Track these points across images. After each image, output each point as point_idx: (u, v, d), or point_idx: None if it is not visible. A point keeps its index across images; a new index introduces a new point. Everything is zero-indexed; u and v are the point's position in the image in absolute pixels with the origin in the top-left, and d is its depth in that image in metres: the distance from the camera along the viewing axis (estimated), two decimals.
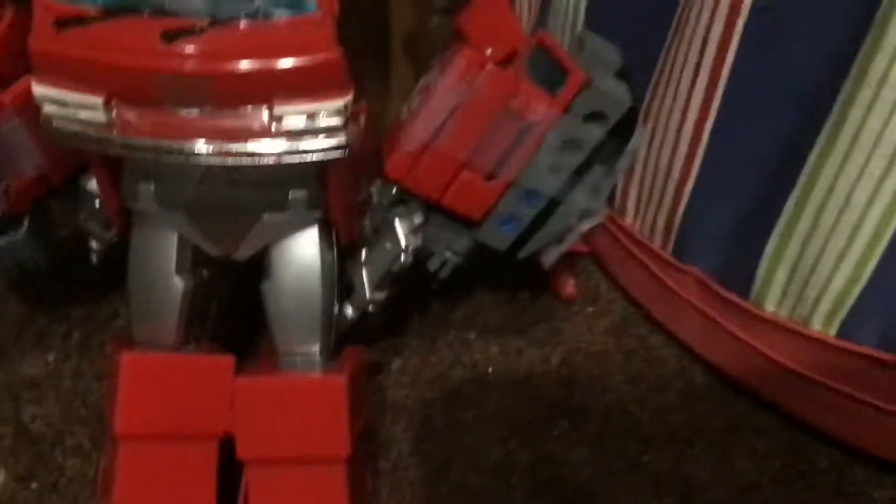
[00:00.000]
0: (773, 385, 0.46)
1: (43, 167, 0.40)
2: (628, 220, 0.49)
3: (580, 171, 0.39)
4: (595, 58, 0.39)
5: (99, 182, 0.36)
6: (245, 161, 0.32)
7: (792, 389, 0.45)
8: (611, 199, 0.49)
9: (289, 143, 0.32)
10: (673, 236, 0.47)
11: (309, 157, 0.32)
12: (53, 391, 0.47)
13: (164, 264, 0.38)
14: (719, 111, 0.42)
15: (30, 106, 0.37)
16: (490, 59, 0.37)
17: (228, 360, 0.38)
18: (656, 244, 0.48)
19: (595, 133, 0.38)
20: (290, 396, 0.37)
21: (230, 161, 0.32)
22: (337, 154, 0.32)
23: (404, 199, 0.40)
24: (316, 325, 0.38)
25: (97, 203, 0.41)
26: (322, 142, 0.32)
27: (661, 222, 0.48)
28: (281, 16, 0.30)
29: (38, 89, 0.31)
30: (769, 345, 0.45)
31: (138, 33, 0.30)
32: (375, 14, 0.46)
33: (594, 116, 0.38)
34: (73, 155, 0.40)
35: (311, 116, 0.31)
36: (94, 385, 0.47)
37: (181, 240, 0.38)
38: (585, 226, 0.41)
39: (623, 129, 0.38)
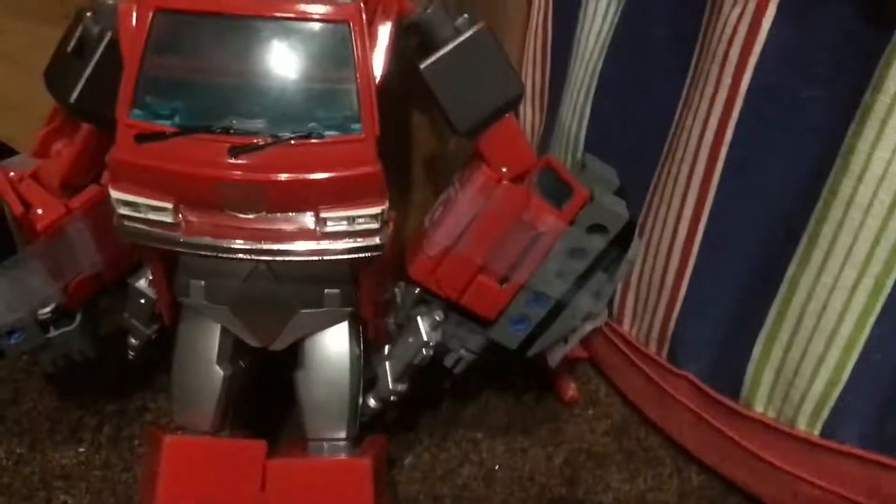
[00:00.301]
0: (764, 483, 0.49)
1: (99, 267, 0.44)
2: (625, 327, 0.53)
3: (584, 277, 0.43)
4: (596, 177, 0.44)
5: (154, 279, 0.41)
6: (293, 259, 0.36)
7: (781, 487, 0.48)
8: (609, 308, 0.53)
9: (332, 243, 0.36)
10: (667, 342, 0.51)
11: (349, 256, 0.36)
12: (84, 482, 0.49)
13: (207, 354, 0.42)
14: (707, 228, 0.46)
15: (94, 211, 0.42)
16: (505, 176, 0.42)
17: (261, 445, 0.42)
18: (652, 350, 0.52)
19: (597, 243, 0.43)
20: (319, 478, 0.40)
21: (280, 259, 0.36)
22: (373, 253, 0.37)
23: (425, 299, 0.44)
24: (343, 413, 0.42)
25: (143, 301, 0.45)
26: (361, 243, 0.36)
27: (655, 329, 0.51)
28: (331, 135, 0.35)
29: (116, 194, 0.35)
30: (759, 444, 0.48)
31: (207, 148, 0.35)
32: (400, 136, 0.51)
33: (596, 228, 0.42)
34: (125, 257, 0.45)
35: (352, 221, 0.36)
36: (123, 476, 0.49)
37: (224, 332, 0.42)
38: (588, 327, 0.45)
39: (622, 240, 0.43)
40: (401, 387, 0.45)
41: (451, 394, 0.55)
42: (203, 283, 0.40)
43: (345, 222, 0.36)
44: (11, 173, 0.41)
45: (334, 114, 0.35)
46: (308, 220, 0.36)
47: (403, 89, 0.39)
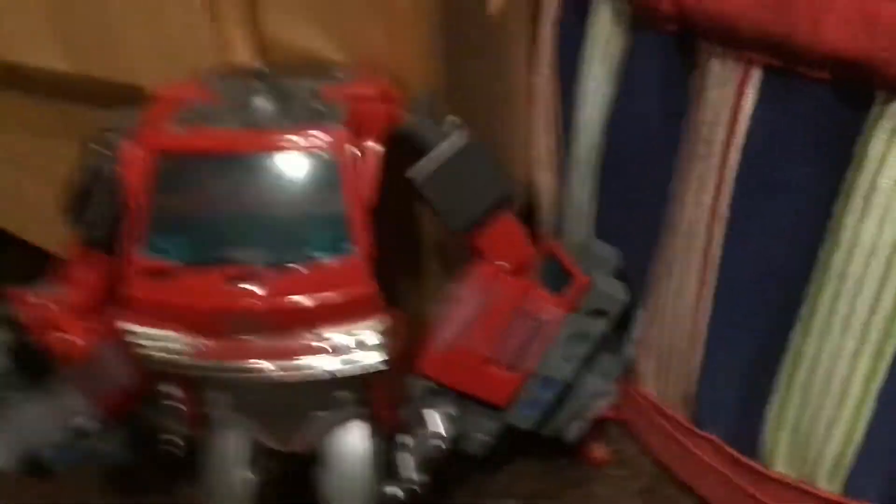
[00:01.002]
0: None
1: (133, 380, 0.47)
2: (649, 389, 0.54)
3: (591, 359, 0.45)
4: (597, 261, 0.45)
5: (183, 394, 0.43)
6: (301, 376, 0.38)
7: None
8: (632, 371, 0.53)
9: (336, 358, 0.38)
10: (690, 405, 0.52)
11: (355, 371, 0.38)
12: None
13: (236, 460, 0.44)
14: (713, 297, 0.47)
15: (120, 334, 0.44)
16: (504, 270, 0.44)
17: None
18: (676, 412, 0.53)
19: (599, 326, 0.44)
20: None
21: (288, 376, 0.38)
22: (378, 367, 0.38)
23: (437, 391, 0.46)
24: None
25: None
26: (365, 356, 0.38)
27: (678, 392, 0.52)
28: (325, 259, 0.37)
29: (128, 326, 0.38)
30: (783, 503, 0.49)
31: (209, 280, 0.37)
32: (410, 227, 0.53)
33: (597, 313, 0.44)
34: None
35: (353, 337, 0.38)
36: None
37: (252, 438, 0.44)
38: (600, 404, 0.46)
39: (625, 321, 0.44)
40: (424, 477, 0.46)
41: (477, 464, 0.56)
42: (230, 394, 0.42)
43: (347, 338, 0.38)
44: (38, 300, 0.44)
45: (327, 238, 0.37)
46: (311, 337, 0.38)
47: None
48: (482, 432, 0.47)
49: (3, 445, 0.44)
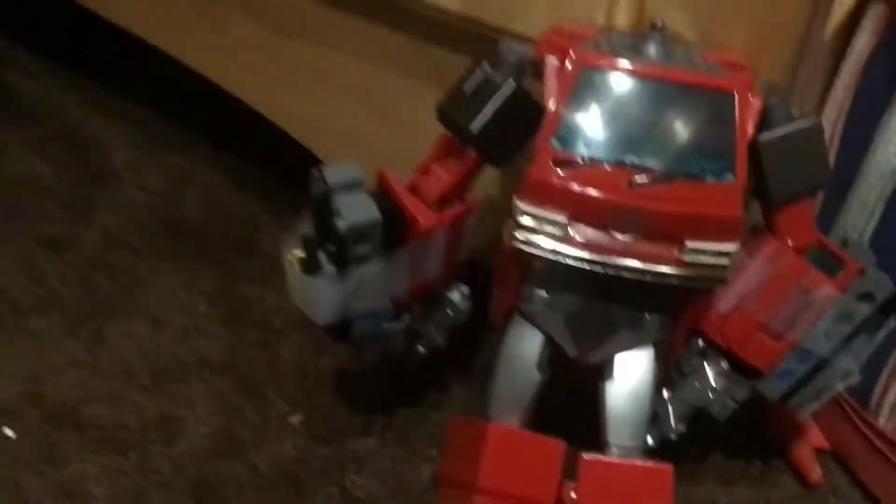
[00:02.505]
0: None
1: (437, 275, 0.52)
2: (882, 419, 0.57)
3: (848, 339, 0.51)
4: (858, 254, 0.52)
5: (508, 283, 0.49)
6: (654, 279, 0.44)
7: None
8: (867, 400, 0.58)
9: (688, 271, 0.44)
10: None
11: (700, 283, 0.44)
12: (372, 468, 0.57)
13: (529, 358, 0.49)
14: None
15: (454, 226, 0.50)
16: (791, 248, 0.50)
17: (563, 444, 0.49)
18: None
19: (864, 309, 0.50)
20: (627, 476, 0.47)
21: (646, 277, 0.44)
22: (718, 285, 0.45)
23: (706, 351, 0.52)
24: (643, 424, 0.49)
25: (450, 312, 0.53)
26: (710, 272, 0.44)
27: None
28: (710, 179, 0.43)
29: (524, 206, 0.44)
30: None
31: (610, 178, 0.43)
32: None
33: (864, 297, 0.50)
34: (454, 270, 0.53)
35: (709, 254, 0.44)
36: (406, 469, 0.56)
37: (547, 340, 0.49)
38: (840, 386, 0.52)
39: (886, 309, 0.51)
40: (682, 427, 0.51)
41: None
42: (546, 294, 0.48)
43: (702, 255, 0.44)
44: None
45: (715, 163, 0.44)
46: (672, 247, 0.44)
47: None
48: (733, 398, 0.52)
49: (332, 306, 0.49)
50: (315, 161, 0.64)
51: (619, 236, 0.44)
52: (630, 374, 0.49)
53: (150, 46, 0.73)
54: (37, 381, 0.60)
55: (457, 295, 0.53)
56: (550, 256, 0.45)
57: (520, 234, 0.45)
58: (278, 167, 0.78)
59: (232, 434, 0.59)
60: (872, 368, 0.56)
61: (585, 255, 0.44)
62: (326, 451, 0.57)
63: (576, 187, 0.43)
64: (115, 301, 0.66)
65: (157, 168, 0.78)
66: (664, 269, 0.44)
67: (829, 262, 0.51)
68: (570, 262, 0.44)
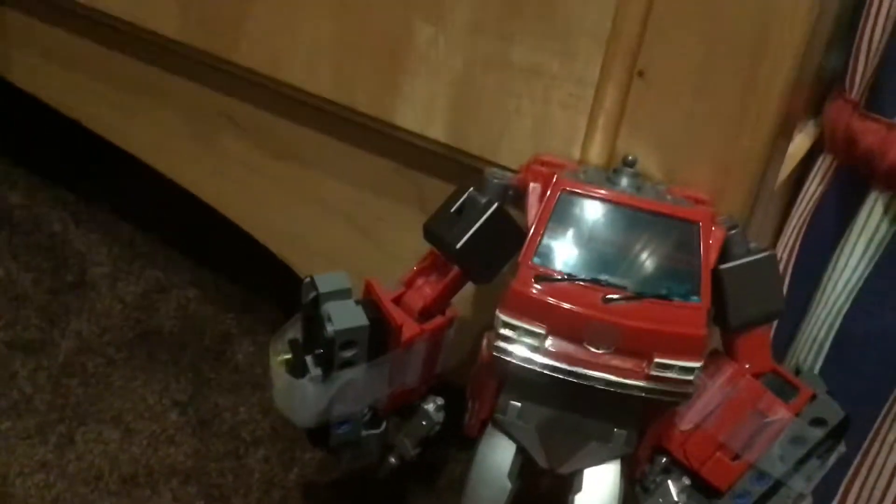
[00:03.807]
0: None
1: (415, 384, 0.54)
2: None
3: (801, 461, 0.54)
4: (809, 382, 0.55)
5: (483, 394, 0.51)
6: (624, 391, 0.47)
7: None
8: None
9: (655, 384, 0.47)
10: None
11: (666, 398, 0.47)
12: None
13: (501, 467, 0.51)
14: None
15: (434, 337, 0.53)
16: (748, 372, 0.54)
17: None
18: None
19: (816, 433, 0.53)
20: None
21: (612, 389, 0.47)
22: (681, 399, 0.48)
23: (669, 469, 0.54)
24: None
25: (424, 423, 0.55)
26: (676, 387, 0.47)
27: None
28: (677, 300, 0.47)
29: (505, 317, 0.47)
30: None
31: (585, 294, 0.47)
32: None
33: (816, 421, 0.53)
34: (430, 381, 0.55)
35: (675, 370, 0.47)
36: None
37: (519, 450, 0.51)
38: None
39: (836, 433, 0.54)
40: None
41: None
42: (520, 404, 0.50)
43: (669, 370, 0.47)
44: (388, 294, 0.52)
45: (681, 286, 0.47)
46: (641, 362, 0.47)
47: None
48: None
49: (314, 409, 0.51)
50: (291, 277, 0.67)
51: (592, 349, 0.47)
52: (598, 486, 0.51)
53: (137, 161, 0.76)
54: (5, 481, 0.60)
55: (432, 406, 0.55)
56: (526, 365, 0.47)
57: (499, 344, 0.47)
58: (255, 283, 0.80)
59: None
60: (824, 495, 0.59)
61: (560, 364, 0.47)
62: None
63: (553, 301, 0.47)
64: (86, 407, 0.67)
65: (134, 280, 0.80)
66: (633, 381, 0.47)
67: (783, 388, 0.54)
68: (546, 371, 0.47)
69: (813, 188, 0.59)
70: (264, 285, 0.75)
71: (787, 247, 0.62)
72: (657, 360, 0.47)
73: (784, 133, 0.53)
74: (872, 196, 0.57)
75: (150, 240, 0.85)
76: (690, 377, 0.48)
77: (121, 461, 0.63)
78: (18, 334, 0.72)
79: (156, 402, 0.68)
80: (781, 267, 0.60)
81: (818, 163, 0.61)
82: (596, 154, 0.55)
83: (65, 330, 0.74)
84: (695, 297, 0.47)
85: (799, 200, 0.60)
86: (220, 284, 0.81)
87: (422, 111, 0.58)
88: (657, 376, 0.47)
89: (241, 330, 0.77)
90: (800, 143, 0.61)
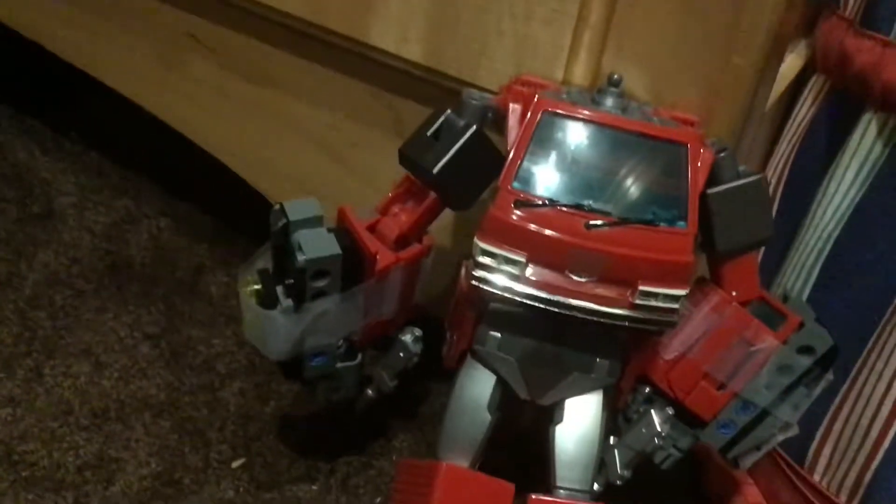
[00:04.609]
0: None
1: (392, 315, 0.53)
2: (817, 476, 0.58)
3: (787, 391, 0.52)
4: (797, 308, 0.54)
5: (462, 325, 0.49)
6: (607, 320, 0.45)
7: None
8: (802, 457, 0.59)
9: (640, 313, 0.46)
10: (860, 493, 0.56)
11: (650, 327, 0.46)
12: None
13: (481, 399, 0.49)
14: None
15: (410, 266, 0.51)
16: (735, 299, 0.52)
17: (512, 486, 0.49)
18: (842, 500, 0.57)
19: (804, 362, 0.52)
20: None
21: (595, 319, 0.45)
22: (666, 328, 0.46)
23: (652, 398, 0.53)
24: (590, 467, 0.49)
25: (402, 355, 0.53)
26: (661, 315, 0.46)
27: (850, 479, 0.57)
28: (663, 226, 0.45)
29: (483, 245, 0.45)
30: None
31: (568, 220, 0.45)
32: None
33: (804, 349, 0.52)
34: (409, 312, 0.53)
35: (660, 298, 0.45)
36: None
37: (499, 382, 0.49)
38: (780, 437, 0.53)
39: (824, 362, 0.52)
40: (628, 473, 0.52)
41: None
42: (500, 335, 0.48)
43: (654, 298, 0.45)
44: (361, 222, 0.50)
45: (668, 211, 0.45)
46: (625, 290, 0.46)
47: None
48: (677, 447, 0.53)
49: (286, 341, 0.49)
50: (265, 206, 0.64)
51: (574, 277, 0.45)
52: (579, 418, 0.50)
53: (104, 87, 0.73)
54: None
55: (409, 337, 0.53)
56: (507, 294, 0.45)
57: (478, 273, 0.45)
58: (226, 213, 0.78)
59: (171, 477, 0.57)
60: (809, 425, 0.57)
61: (541, 294, 0.45)
62: (268, 497, 0.56)
63: (534, 227, 0.45)
64: (55, 340, 0.65)
65: (104, 210, 0.78)
66: (617, 310, 0.46)
67: (770, 316, 0.53)
68: (526, 300, 0.45)
69: (804, 110, 0.57)
70: (239, 215, 0.73)
71: (776, 171, 0.60)
72: (642, 287, 0.45)
73: (776, 51, 0.51)
74: (866, 117, 0.55)
75: (119, 168, 0.82)
76: (676, 305, 0.46)
77: (91, 395, 0.62)
78: None
79: (127, 335, 0.66)
80: (770, 191, 0.58)
81: (810, 84, 0.59)
82: (580, 74, 0.52)
83: (32, 261, 0.71)
84: (681, 223, 0.45)
85: (789, 123, 0.57)
86: (193, 214, 0.79)
87: (397, 30, 0.55)
88: (642, 305, 0.46)
89: (214, 261, 0.74)
90: (791, 64, 0.59)
